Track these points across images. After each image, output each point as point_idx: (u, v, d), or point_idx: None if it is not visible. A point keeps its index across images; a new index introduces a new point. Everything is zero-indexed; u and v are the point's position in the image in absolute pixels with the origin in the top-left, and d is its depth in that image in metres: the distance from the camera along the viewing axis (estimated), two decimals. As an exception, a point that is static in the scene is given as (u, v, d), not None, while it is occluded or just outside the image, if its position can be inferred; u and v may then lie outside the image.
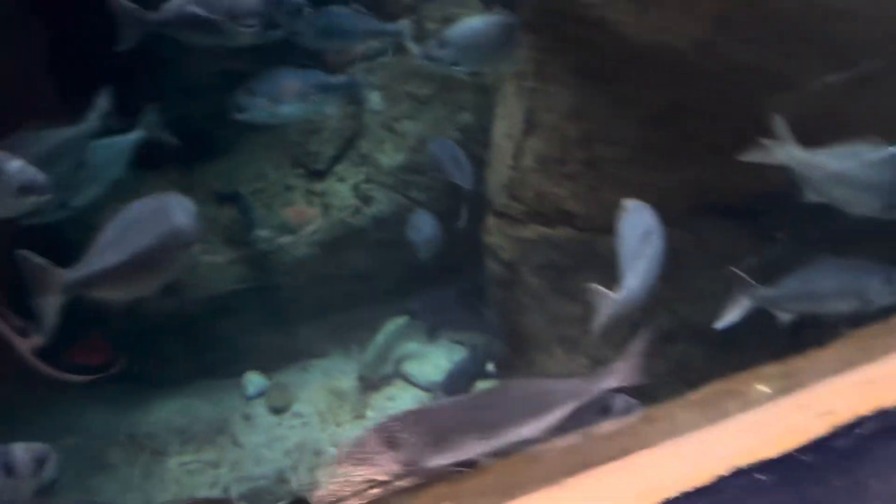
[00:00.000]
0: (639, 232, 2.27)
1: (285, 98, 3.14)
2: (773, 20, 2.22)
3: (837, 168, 2.34)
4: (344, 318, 4.75)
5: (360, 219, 4.68)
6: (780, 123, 2.28)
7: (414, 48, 3.41)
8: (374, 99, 4.87)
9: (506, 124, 2.97)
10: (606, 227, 2.81)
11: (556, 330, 2.99)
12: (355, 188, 4.77)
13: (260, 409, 4.46)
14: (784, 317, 2.72)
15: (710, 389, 2.38)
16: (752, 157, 2.32)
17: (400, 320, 4.31)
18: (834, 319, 2.84)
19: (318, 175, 4.87)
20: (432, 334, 3.56)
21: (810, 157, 2.32)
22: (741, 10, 2.22)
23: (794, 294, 2.67)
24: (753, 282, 2.62)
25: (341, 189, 4.77)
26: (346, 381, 4.53)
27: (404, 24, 3.37)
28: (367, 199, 4.72)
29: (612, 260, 2.81)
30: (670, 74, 2.42)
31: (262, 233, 4.16)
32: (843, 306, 2.71)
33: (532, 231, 2.93)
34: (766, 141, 2.32)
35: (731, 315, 2.63)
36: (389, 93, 4.76)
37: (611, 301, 2.20)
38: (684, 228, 2.81)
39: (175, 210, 2.45)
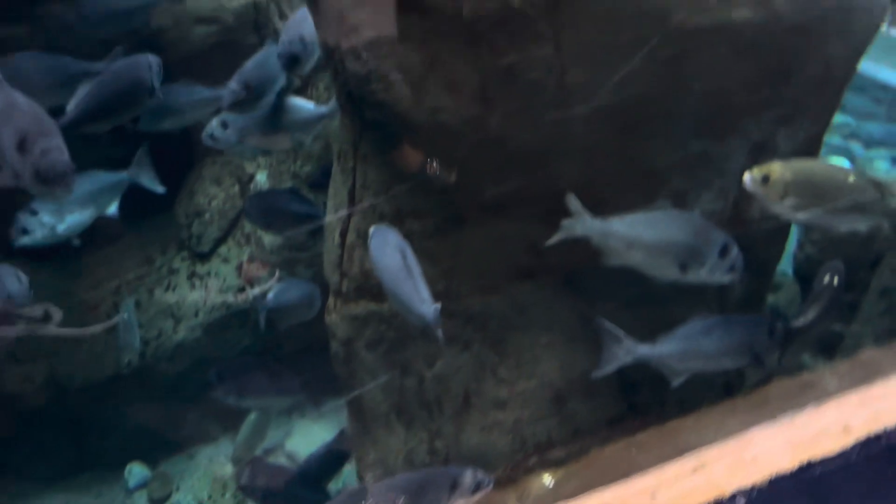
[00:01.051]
0: (395, 251, 2.45)
1: (68, 210, 3.19)
2: (529, 96, 2.36)
3: (631, 234, 2.46)
4: (231, 400, 4.74)
5: (244, 298, 4.73)
6: (572, 199, 2.39)
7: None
8: (260, 178, 5.00)
9: (333, 203, 3.07)
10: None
11: (393, 405, 3.03)
12: (239, 268, 4.84)
13: (140, 501, 4.41)
14: (677, 379, 2.75)
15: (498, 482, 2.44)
16: (558, 236, 2.44)
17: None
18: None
19: (202, 257, 4.94)
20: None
21: (605, 225, 2.44)
22: (498, 88, 2.36)
23: (679, 352, 2.69)
24: (625, 335, 2.66)
25: (224, 269, 4.84)
26: (231, 466, 4.50)
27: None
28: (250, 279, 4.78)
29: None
30: (455, 151, 2.54)
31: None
32: (731, 363, 2.78)
33: (362, 307, 3.00)
34: (564, 220, 2.44)
35: (607, 367, 2.69)
36: (273, 171, 4.89)
37: (430, 319, 2.35)
38: (503, 294, 2.91)
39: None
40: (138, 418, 4.63)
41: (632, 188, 2.67)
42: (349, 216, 3.00)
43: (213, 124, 3.25)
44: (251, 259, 4.78)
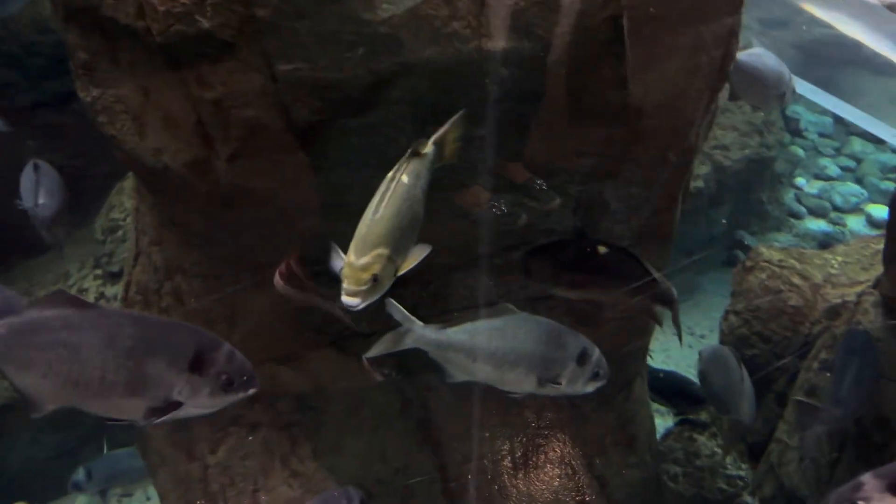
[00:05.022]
0: None
1: None
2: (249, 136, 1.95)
3: (473, 345, 2.09)
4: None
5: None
6: (395, 308, 2.01)
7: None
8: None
9: (129, 250, 2.77)
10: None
11: (181, 494, 2.69)
12: (145, 292, 4.61)
13: (16, 544, 4.27)
14: None
15: None
16: (382, 348, 2.06)
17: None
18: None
19: (115, 277, 4.76)
20: None
21: (442, 336, 2.08)
22: (215, 127, 1.96)
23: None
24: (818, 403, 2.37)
25: (131, 294, 4.62)
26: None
27: None
28: (156, 305, 4.55)
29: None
30: (191, 197, 2.16)
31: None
32: None
33: (146, 373, 2.66)
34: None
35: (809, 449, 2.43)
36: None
37: None
38: (297, 366, 2.51)
39: None
40: (34, 455, 4.51)
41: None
42: (133, 267, 2.68)
43: None
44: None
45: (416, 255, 1.73)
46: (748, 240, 5.09)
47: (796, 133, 6.06)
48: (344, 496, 2.27)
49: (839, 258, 2.66)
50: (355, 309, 1.64)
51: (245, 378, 1.82)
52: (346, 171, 2.04)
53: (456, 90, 1.82)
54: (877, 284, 2.40)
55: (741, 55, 2.99)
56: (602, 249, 2.10)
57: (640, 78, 1.79)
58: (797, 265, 2.60)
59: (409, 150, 1.72)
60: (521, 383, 2.16)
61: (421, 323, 2.06)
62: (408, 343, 2.06)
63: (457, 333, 2.09)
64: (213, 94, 1.90)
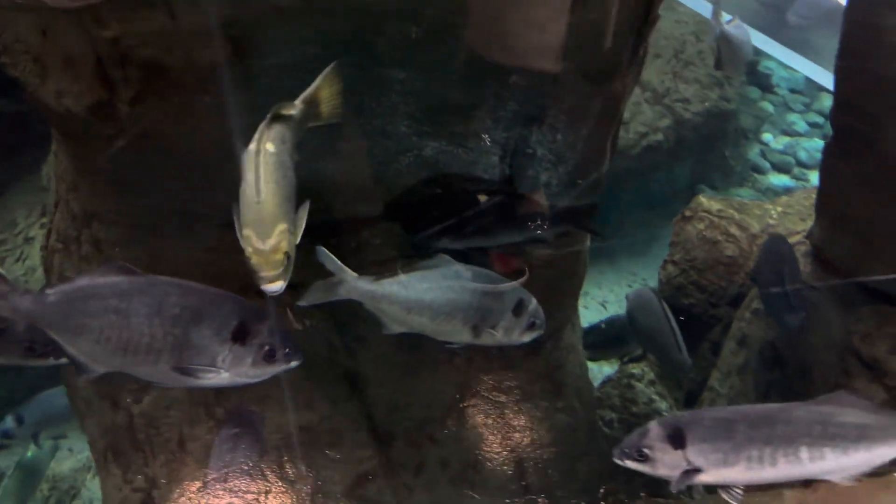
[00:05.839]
0: None
1: None
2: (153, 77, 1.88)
3: (409, 297, 2.09)
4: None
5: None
6: (327, 257, 1.99)
7: None
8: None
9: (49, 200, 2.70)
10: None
11: (109, 442, 2.67)
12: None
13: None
14: None
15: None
16: (313, 298, 2.03)
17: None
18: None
19: (61, 226, 4.67)
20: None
21: (376, 288, 2.07)
22: (115, 68, 1.88)
23: None
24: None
25: (77, 244, 4.55)
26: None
27: None
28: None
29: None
30: (99, 142, 2.09)
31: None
32: None
33: (70, 323, 2.62)
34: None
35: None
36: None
37: None
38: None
39: None
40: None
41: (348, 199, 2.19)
42: (53, 215, 2.62)
43: None
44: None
45: (302, 215, 1.71)
46: (709, 194, 5.06)
47: (767, 88, 5.99)
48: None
49: (779, 209, 2.64)
50: (279, 293, 1.61)
51: (288, 350, 1.87)
52: (257, 115, 1.98)
53: (370, 30, 1.75)
54: (809, 234, 2.39)
55: (730, 29, 2.99)
56: (483, 198, 2.07)
57: (559, 19, 1.74)
58: (735, 215, 2.57)
59: (269, 115, 1.67)
60: (457, 334, 2.16)
61: (354, 273, 2.03)
62: (341, 294, 2.03)
63: (391, 285, 2.07)
64: (111, 32, 1.82)
